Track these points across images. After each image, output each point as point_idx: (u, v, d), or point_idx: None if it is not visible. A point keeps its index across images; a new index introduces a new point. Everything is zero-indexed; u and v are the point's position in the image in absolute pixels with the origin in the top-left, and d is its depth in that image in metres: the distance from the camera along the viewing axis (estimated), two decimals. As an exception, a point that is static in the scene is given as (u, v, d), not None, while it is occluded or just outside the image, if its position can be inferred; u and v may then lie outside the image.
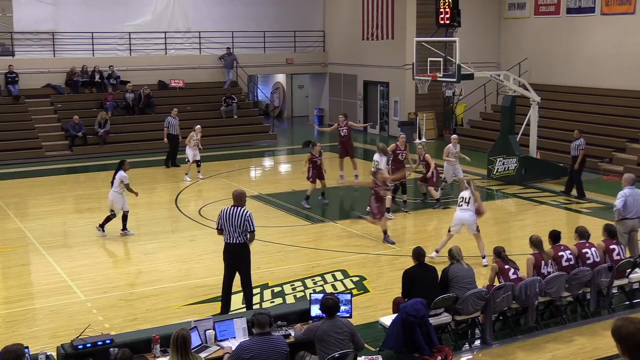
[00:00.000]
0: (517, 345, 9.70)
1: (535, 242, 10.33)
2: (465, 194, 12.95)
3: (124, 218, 15.17)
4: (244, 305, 11.00)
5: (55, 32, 27.63)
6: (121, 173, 14.99)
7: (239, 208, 10.19)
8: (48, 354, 7.71)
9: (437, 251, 13.02)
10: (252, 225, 10.17)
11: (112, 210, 15.11)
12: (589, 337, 9.97)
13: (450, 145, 18.30)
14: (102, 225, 15.13)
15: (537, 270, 10.16)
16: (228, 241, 10.20)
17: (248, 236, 10.17)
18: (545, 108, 23.27)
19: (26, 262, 13.81)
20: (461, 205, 12.95)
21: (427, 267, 9.61)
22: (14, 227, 16.01)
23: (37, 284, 12.53)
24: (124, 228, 15.22)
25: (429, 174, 17.21)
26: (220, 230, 10.30)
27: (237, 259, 10.29)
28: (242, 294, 11.59)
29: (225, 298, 10.50)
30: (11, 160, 23.72)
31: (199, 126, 21.37)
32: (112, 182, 15.08)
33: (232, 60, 29.45)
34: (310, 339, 7.98)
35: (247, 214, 10.16)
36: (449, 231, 13.10)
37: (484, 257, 12.77)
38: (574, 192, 18.28)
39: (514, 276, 9.98)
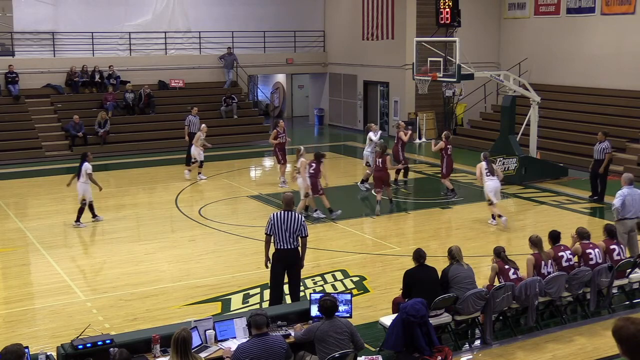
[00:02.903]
0: (517, 345, 9.70)
1: (535, 242, 10.33)
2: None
3: (91, 207, 16.10)
4: (244, 305, 11.02)
5: (55, 32, 27.64)
6: (86, 164, 15.79)
7: (292, 212, 10.17)
8: (48, 354, 7.70)
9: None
10: (307, 230, 10.18)
11: (83, 201, 15.87)
12: (589, 337, 9.97)
13: (483, 163, 16.03)
14: (78, 219, 15.94)
15: (537, 270, 10.16)
16: (281, 247, 10.06)
17: (300, 241, 10.13)
18: (546, 108, 23.27)
19: (26, 262, 13.81)
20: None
21: (428, 268, 9.60)
22: (14, 227, 16.01)
23: (37, 284, 12.53)
24: (94, 215, 16.19)
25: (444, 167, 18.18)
26: (269, 235, 10.16)
27: (289, 264, 10.20)
28: (242, 294, 11.63)
29: (278, 296, 10.35)
30: (11, 160, 23.72)
31: (204, 125, 21.29)
32: (78, 175, 15.84)
33: (232, 60, 29.46)
34: (310, 340, 7.98)
35: (302, 219, 10.19)
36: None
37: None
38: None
39: (514, 276, 9.98)
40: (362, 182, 18.93)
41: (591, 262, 10.59)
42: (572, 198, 18.24)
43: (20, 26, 27.61)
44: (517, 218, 17.04)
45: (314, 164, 16.09)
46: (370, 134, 19.47)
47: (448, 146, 18.14)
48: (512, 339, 9.87)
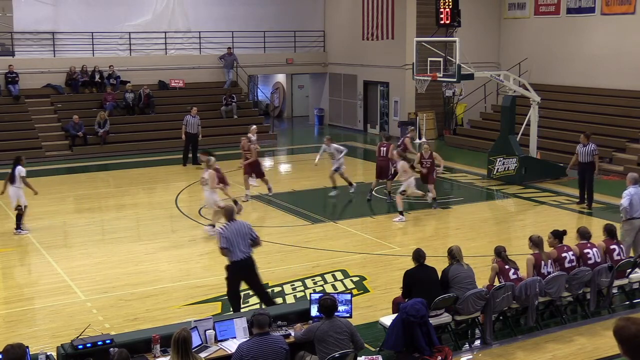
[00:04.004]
0: (517, 345, 9.71)
1: (536, 242, 10.32)
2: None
3: (19, 217, 15.36)
4: (244, 305, 11.02)
5: (56, 32, 27.64)
6: (19, 168, 15.31)
7: (238, 221, 10.21)
8: (48, 354, 7.71)
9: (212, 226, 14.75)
10: (255, 232, 10.24)
11: (18, 207, 15.29)
12: (589, 337, 9.97)
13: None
14: (18, 226, 15.33)
15: (537, 270, 10.16)
16: (238, 259, 9.95)
17: (253, 242, 10.14)
18: (546, 108, 23.28)
19: (26, 262, 13.81)
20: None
21: (428, 268, 9.60)
22: (14, 227, 15.99)
23: (37, 284, 12.53)
24: (18, 227, 15.35)
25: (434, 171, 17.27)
26: (226, 249, 9.95)
27: (249, 272, 10.20)
28: (242, 294, 11.61)
29: (237, 303, 10.43)
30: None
31: (254, 126, 20.83)
32: (12, 179, 15.27)
33: (232, 60, 29.44)
34: (309, 340, 7.98)
35: (249, 224, 10.24)
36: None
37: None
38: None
39: (514, 276, 9.97)
40: (334, 188, 18.56)
41: (590, 262, 10.58)
42: (572, 198, 18.21)
43: (20, 26, 27.61)
44: (517, 218, 17.06)
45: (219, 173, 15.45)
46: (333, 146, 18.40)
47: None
48: (512, 339, 9.87)
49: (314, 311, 8.69)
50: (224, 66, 29.52)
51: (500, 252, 10.10)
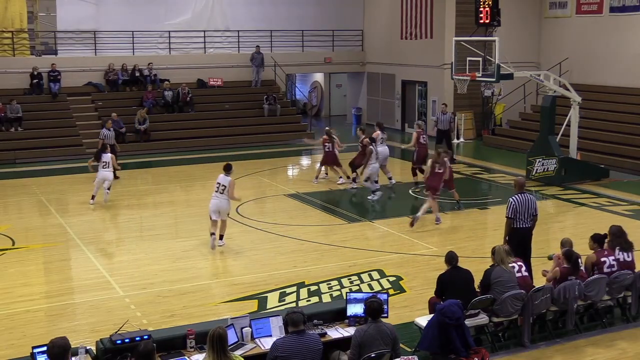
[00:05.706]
0: (555, 349, 9.58)
1: (565, 243, 10.27)
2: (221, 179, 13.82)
3: None
4: (281, 303, 11.05)
5: (97, 31, 28.06)
6: None
7: (526, 194, 11.41)
8: (87, 348, 7.82)
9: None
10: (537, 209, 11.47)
11: None
12: (630, 342, 9.80)
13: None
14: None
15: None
16: (519, 226, 11.30)
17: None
18: (586, 108, 22.91)
19: (67, 258, 14.02)
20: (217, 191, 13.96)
21: (460, 269, 9.53)
22: (56, 222, 16.28)
23: (77, 279, 12.73)
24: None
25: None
26: (511, 219, 11.28)
27: (525, 242, 11.31)
28: (278, 292, 11.66)
29: None
30: (53, 157, 24.13)
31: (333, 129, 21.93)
32: None
33: (261, 58, 29.37)
34: (356, 345, 7.85)
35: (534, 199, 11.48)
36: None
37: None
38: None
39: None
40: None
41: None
42: (613, 200, 17.94)
43: (63, 25, 28.11)
44: (556, 220, 16.83)
45: None
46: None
47: (423, 135, 19.36)
48: (550, 342, 9.74)
49: (350, 310, 8.69)
50: (253, 64, 29.35)
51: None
